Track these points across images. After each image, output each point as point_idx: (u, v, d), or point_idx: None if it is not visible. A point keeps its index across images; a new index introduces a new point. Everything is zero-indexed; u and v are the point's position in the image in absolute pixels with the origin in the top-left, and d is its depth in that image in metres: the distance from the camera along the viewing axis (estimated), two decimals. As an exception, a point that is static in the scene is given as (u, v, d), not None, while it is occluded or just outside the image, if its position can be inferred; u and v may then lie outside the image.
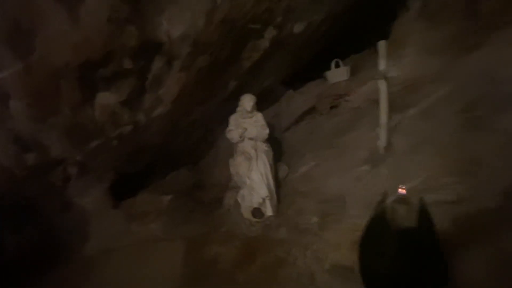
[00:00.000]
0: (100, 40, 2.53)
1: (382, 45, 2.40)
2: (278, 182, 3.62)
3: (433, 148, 2.17)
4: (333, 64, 4.17)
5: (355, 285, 1.34)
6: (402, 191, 1.40)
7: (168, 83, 3.11)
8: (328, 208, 2.54)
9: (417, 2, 2.96)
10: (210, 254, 3.05)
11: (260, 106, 3.76)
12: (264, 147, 3.59)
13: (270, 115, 4.72)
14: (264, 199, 3.09)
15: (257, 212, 3.03)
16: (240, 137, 3.57)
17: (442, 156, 2.05)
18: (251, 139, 3.57)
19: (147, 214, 4.02)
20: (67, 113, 2.84)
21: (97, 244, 3.29)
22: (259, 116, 3.65)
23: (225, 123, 4.96)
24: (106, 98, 3.02)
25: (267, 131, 3.61)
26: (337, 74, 4.08)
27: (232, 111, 4.57)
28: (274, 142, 4.09)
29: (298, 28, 3.19)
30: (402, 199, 1.38)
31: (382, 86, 2.46)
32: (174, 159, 4.91)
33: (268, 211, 3.02)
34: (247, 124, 3.57)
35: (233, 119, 3.69)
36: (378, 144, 2.58)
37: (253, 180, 3.18)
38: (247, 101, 3.52)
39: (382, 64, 2.43)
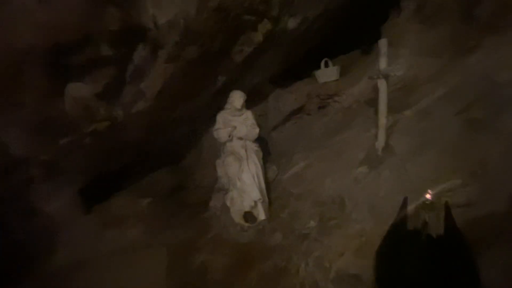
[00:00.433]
0: (74, 20, 2.19)
1: (383, 43, 2.34)
2: (267, 183, 3.46)
3: (434, 150, 2.13)
4: (323, 64, 4.09)
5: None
6: (428, 196, 1.31)
7: (151, 75, 2.82)
8: (326, 211, 2.43)
9: (411, 3, 2.97)
10: (197, 263, 2.81)
11: (247, 104, 3.57)
12: (254, 147, 3.42)
13: (257, 113, 4.54)
14: (256, 202, 2.91)
15: (249, 216, 2.84)
16: (229, 136, 3.36)
17: (445, 159, 2.02)
18: (240, 138, 3.38)
19: (124, 219, 3.66)
20: (31, 106, 2.45)
21: (67, 255, 2.90)
22: (249, 114, 3.46)
23: (210, 121, 4.71)
24: (79, 90, 2.66)
25: (258, 130, 3.44)
26: (327, 73, 4.02)
27: (219, 108, 4.35)
28: (261, 141, 3.93)
29: (292, 23, 3.06)
30: (427, 205, 1.28)
31: (382, 86, 2.40)
32: (153, 159, 4.56)
33: (261, 215, 2.85)
34: (237, 123, 3.37)
35: (221, 117, 3.46)
36: (376, 145, 2.52)
37: (244, 182, 2.99)
38: (237, 98, 3.32)
39: (383, 63, 2.36)
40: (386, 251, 1.31)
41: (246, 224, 2.81)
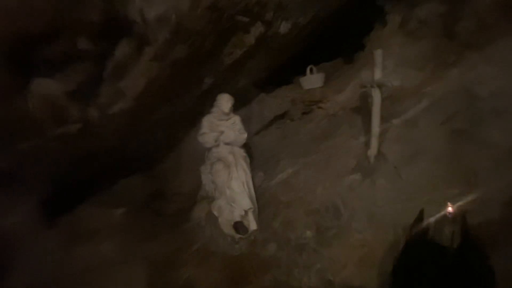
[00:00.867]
0: (46, 6, 1.90)
1: (378, 54, 2.38)
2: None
3: (426, 159, 2.21)
4: (308, 70, 4.12)
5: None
6: (450, 209, 1.30)
7: (133, 73, 2.56)
8: (321, 220, 2.39)
9: (397, 17, 3.10)
10: (183, 278, 2.60)
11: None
12: (242, 152, 3.30)
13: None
14: (246, 212, 2.78)
15: (240, 226, 2.70)
16: (216, 141, 3.20)
17: (437, 168, 2.10)
18: (227, 144, 3.23)
19: (95, 232, 3.27)
20: (-13, 103, 2.08)
21: (26, 276, 2.49)
22: (236, 119, 3.33)
23: (191, 124, 4.50)
24: (47, 87, 2.32)
25: (245, 135, 3.33)
26: (312, 80, 4.05)
27: (201, 111, 4.14)
28: (244, 147, 3.81)
29: (284, 28, 3.01)
30: (446, 218, 1.27)
31: (376, 95, 2.44)
32: (126, 164, 4.19)
33: (252, 224, 2.72)
34: (224, 127, 3.22)
35: (206, 121, 3.28)
36: (369, 153, 2.55)
37: (234, 190, 2.84)
38: (225, 101, 3.18)
39: (377, 73, 2.40)
40: (406, 264, 1.29)
41: (237, 235, 2.66)
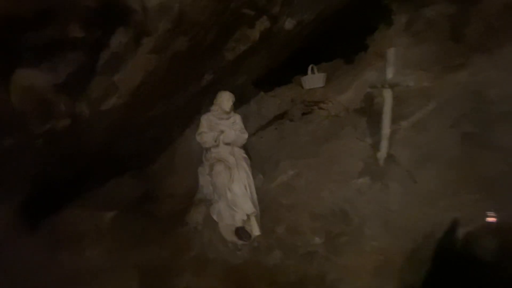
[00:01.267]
0: (35, -12, 1.68)
1: (391, 52, 2.30)
2: (255, 193, 3.20)
3: (437, 163, 2.15)
4: (309, 70, 4.02)
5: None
6: (491, 219, 1.21)
7: (130, 66, 2.36)
8: (330, 225, 2.28)
9: (403, 17, 3.05)
10: (180, 287, 2.42)
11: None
12: (242, 153, 3.15)
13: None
14: (249, 216, 2.63)
15: (242, 232, 2.55)
16: (215, 141, 3.03)
17: (449, 172, 2.04)
18: (227, 144, 3.07)
19: (82, 237, 3.03)
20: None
21: (5, 285, 2.24)
22: (237, 118, 3.19)
23: (185, 122, 4.30)
24: (32, 78, 2.08)
25: (246, 135, 3.19)
26: (314, 80, 3.95)
27: (197, 109, 3.96)
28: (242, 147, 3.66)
29: (289, 24, 2.89)
30: (484, 229, 1.18)
31: (388, 95, 2.36)
32: (116, 163, 3.94)
33: (255, 230, 2.57)
34: (224, 127, 3.06)
35: (205, 119, 3.12)
36: (378, 155, 2.47)
37: (236, 194, 2.69)
38: (226, 99, 3.03)
39: (390, 73, 2.32)
40: (439, 279, 1.18)
41: (240, 242, 2.50)
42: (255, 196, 2.82)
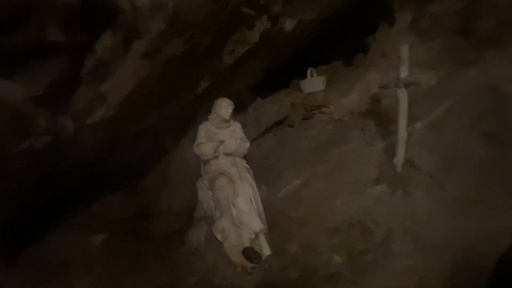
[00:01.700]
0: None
1: (404, 49, 2.14)
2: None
3: (465, 167, 1.97)
4: (309, 73, 3.86)
5: None
6: None
7: (118, 74, 2.11)
8: (350, 241, 2.06)
9: (407, 15, 2.94)
10: (184, 321, 2.13)
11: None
12: (244, 164, 2.92)
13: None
14: (257, 234, 2.38)
15: (252, 252, 2.29)
16: (215, 152, 2.79)
17: (481, 177, 1.86)
18: (228, 154, 2.83)
19: (69, 266, 2.69)
20: None
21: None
22: (237, 126, 2.97)
23: (178, 133, 4.04)
24: (6, 90, 1.81)
25: (248, 144, 2.97)
26: (314, 84, 3.78)
27: (191, 118, 3.72)
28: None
29: (289, 25, 2.72)
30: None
31: (403, 95, 2.19)
32: (104, 181, 3.62)
33: (265, 249, 2.32)
34: (224, 136, 2.83)
35: (203, 129, 2.88)
36: (395, 160, 2.28)
37: (241, 210, 2.44)
38: (225, 106, 2.80)
39: (404, 71, 2.16)
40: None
41: (250, 264, 2.24)
42: (262, 210, 2.58)
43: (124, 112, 2.46)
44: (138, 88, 2.28)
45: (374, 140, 2.77)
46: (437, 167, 2.08)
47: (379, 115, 2.97)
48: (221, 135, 2.84)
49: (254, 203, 2.52)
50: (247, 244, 2.36)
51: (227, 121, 2.86)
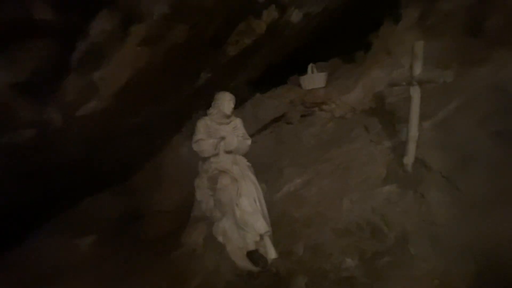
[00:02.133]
0: None
1: (419, 45, 2.07)
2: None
3: (478, 167, 1.93)
4: (309, 69, 3.75)
5: None
6: None
7: (114, 61, 1.91)
8: (362, 243, 1.97)
9: (415, 11, 2.88)
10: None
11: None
12: (245, 162, 2.77)
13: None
14: (262, 236, 2.25)
15: (257, 256, 2.16)
16: (215, 149, 2.63)
17: (495, 176, 1.82)
18: (229, 152, 2.68)
19: (56, 272, 2.45)
20: None
21: None
22: (238, 122, 2.81)
23: (175, 129, 3.85)
24: (-18, 75, 1.57)
25: (250, 142, 2.82)
26: (315, 80, 3.69)
27: (188, 113, 3.55)
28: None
29: (296, 16, 2.60)
30: None
31: (415, 93, 2.13)
32: (91, 178, 3.37)
33: (271, 252, 2.19)
34: (225, 132, 2.67)
35: (203, 125, 2.70)
36: (405, 160, 2.22)
37: (245, 210, 2.30)
38: (227, 101, 2.64)
39: (417, 68, 2.09)
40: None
41: (256, 268, 2.11)
42: (266, 211, 2.45)
43: (118, 105, 2.25)
44: (135, 78, 2.08)
45: (379, 138, 2.71)
46: (449, 167, 2.04)
47: (384, 114, 2.91)
48: (222, 131, 2.67)
49: (258, 203, 2.38)
50: (251, 246, 2.23)
51: (228, 116, 2.70)
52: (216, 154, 2.67)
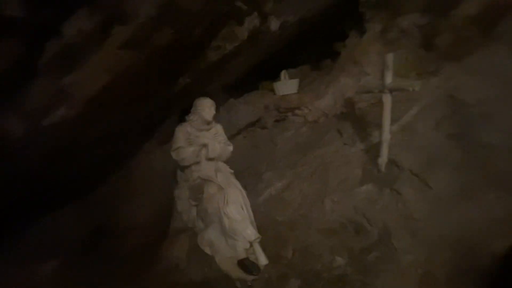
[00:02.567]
0: None
1: (390, 57, 2.29)
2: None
3: (443, 166, 2.19)
4: (282, 75, 3.87)
5: None
6: None
7: (90, 65, 1.74)
8: (348, 241, 2.08)
9: (377, 26, 3.17)
10: None
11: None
12: (228, 168, 2.73)
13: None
14: (252, 244, 2.23)
15: (249, 264, 2.13)
16: (197, 157, 2.55)
17: (459, 174, 2.09)
18: (211, 159, 2.62)
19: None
20: None
21: None
22: (219, 128, 2.76)
23: (146, 136, 3.62)
24: None
25: (231, 148, 2.78)
26: (288, 86, 3.81)
27: (161, 119, 3.40)
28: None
29: (275, 24, 2.67)
30: None
31: (387, 100, 2.34)
32: (52, 192, 2.98)
33: (262, 258, 2.18)
34: (207, 139, 2.60)
35: (182, 132, 2.59)
36: (379, 161, 2.42)
37: (233, 218, 2.25)
38: (208, 107, 2.57)
39: (388, 77, 2.30)
40: None
41: (250, 277, 2.08)
42: (252, 217, 2.43)
43: (90, 112, 2.05)
44: (112, 83, 1.93)
45: (352, 141, 2.91)
46: (418, 166, 2.28)
47: (355, 118, 3.13)
48: (203, 138, 2.60)
49: (245, 210, 2.37)
50: (242, 255, 2.19)
51: (209, 122, 2.63)
52: (198, 162, 2.58)
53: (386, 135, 2.38)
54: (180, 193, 2.66)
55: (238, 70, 3.36)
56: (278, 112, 3.95)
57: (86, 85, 1.83)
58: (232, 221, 2.26)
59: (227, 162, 2.93)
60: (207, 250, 2.31)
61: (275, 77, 4.06)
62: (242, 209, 2.37)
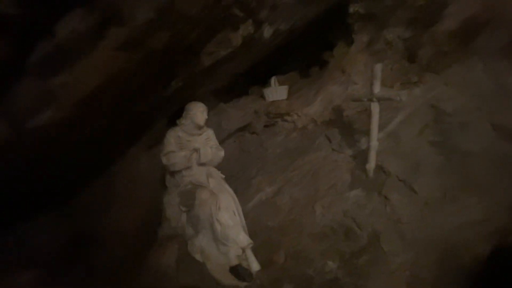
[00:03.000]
0: None
1: (378, 68, 2.40)
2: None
3: (425, 170, 2.31)
4: (272, 82, 3.92)
5: None
6: None
7: (82, 66, 1.67)
8: (338, 245, 2.13)
9: (364, 37, 3.31)
10: None
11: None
12: (219, 173, 2.73)
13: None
14: (244, 250, 2.22)
15: (242, 270, 2.11)
16: (189, 162, 2.53)
17: (440, 178, 2.21)
18: (202, 164, 2.60)
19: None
20: None
21: None
22: (210, 133, 2.76)
23: (130, 141, 3.50)
24: None
25: (223, 153, 2.79)
26: (278, 92, 3.86)
27: (149, 123, 3.31)
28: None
29: (268, 32, 2.71)
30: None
31: (375, 109, 2.45)
32: (28, 200, 2.80)
33: (254, 265, 2.17)
34: (198, 144, 2.59)
35: (173, 136, 2.58)
36: (367, 166, 2.51)
37: (225, 224, 2.24)
38: (200, 111, 2.57)
39: (376, 87, 2.41)
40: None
41: (243, 283, 2.06)
42: (244, 222, 2.44)
43: (78, 115, 1.96)
44: (103, 85, 1.86)
45: (341, 148, 3.00)
46: (403, 172, 2.39)
47: (342, 125, 3.23)
48: (195, 143, 2.58)
49: (237, 216, 2.36)
50: (234, 261, 2.18)
51: (200, 127, 2.62)
52: (189, 167, 2.55)
53: (374, 142, 2.48)
54: (170, 199, 2.62)
55: (229, 75, 3.36)
56: (268, 117, 3.99)
57: (76, 87, 1.75)
58: (224, 227, 2.24)
59: (217, 166, 2.92)
60: (198, 257, 2.28)
61: (265, 82, 4.11)
62: (235, 214, 2.36)
